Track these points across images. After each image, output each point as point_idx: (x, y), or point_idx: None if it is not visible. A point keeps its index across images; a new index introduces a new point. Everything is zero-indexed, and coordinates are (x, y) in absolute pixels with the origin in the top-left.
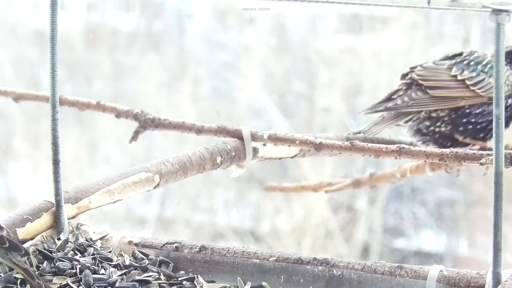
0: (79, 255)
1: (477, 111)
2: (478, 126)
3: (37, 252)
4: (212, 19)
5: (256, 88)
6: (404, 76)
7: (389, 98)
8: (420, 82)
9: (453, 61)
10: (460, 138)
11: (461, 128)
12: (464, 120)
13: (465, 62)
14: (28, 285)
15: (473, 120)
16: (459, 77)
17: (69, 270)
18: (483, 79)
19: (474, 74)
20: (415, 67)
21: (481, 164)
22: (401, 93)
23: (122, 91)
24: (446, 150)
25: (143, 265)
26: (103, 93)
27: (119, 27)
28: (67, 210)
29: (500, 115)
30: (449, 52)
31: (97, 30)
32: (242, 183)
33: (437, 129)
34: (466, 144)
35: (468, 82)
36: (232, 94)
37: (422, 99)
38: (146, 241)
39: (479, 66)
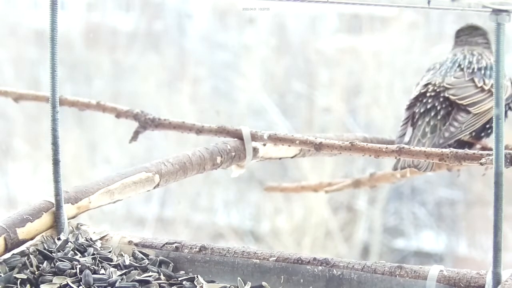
0: (79, 255)
1: None
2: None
3: (37, 252)
4: (212, 19)
5: (256, 88)
6: (422, 96)
7: (412, 120)
8: (459, 102)
9: (469, 71)
10: (466, 138)
11: (482, 134)
12: (487, 125)
13: (481, 70)
14: (28, 285)
15: (493, 124)
16: (485, 88)
17: (69, 270)
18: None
19: (492, 80)
20: (429, 84)
21: (481, 164)
22: (433, 114)
23: (122, 91)
24: (446, 150)
25: (143, 265)
26: (103, 93)
27: (119, 27)
28: (67, 210)
29: (500, 115)
30: (436, 62)
31: (97, 30)
32: (242, 183)
33: (462, 139)
34: (470, 144)
35: (493, 90)
36: (232, 94)
37: (468, 119)
38: (146, 241)
39: (492, 72)
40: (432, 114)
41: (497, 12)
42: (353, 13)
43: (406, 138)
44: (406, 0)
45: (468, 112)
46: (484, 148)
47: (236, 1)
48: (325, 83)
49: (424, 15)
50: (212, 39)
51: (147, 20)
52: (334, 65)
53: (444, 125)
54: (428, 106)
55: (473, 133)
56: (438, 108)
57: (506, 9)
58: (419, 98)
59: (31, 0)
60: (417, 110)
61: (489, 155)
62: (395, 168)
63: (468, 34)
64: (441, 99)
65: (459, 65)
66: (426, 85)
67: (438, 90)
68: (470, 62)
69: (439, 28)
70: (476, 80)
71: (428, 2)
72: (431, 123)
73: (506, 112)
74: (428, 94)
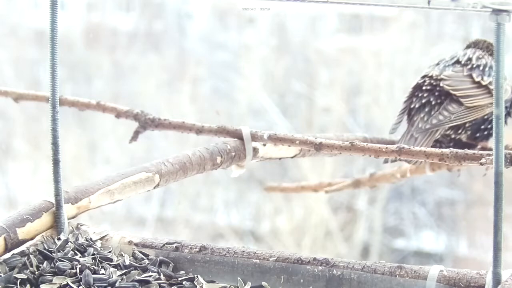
0: (79, 255)
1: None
2: (491, 131)
3: (37, 252)
4: (212, 19)
5: (256, 88)
6: (418, 86)
7: (407, 110)
8: (452, 92)
9: (469, 67)
10: (464, 139)
11: (477, 134)
12: (482, 126)
13: (480, 67)
14: (28, 285)
15: (488, 126)
16: (482, 83)
17: (69, 270)
18: None
19: (491, 79)
20: (426, 76)
21: (481, 164)
22: (427, 109)
23: (122, 91)
24: (446, 150)
25: (143, 265)
26: (103, 93)
27: (119, 27)
28: (67, 210)
29: (500, 115)
30: (443, 57)
31: (97, 30)
32: (242, 183)
33: (457, 137)
34: (470, 145)
35: (490, 87)
36: (232, 94)
37: (459, 111)
38: (146, 241)
39: (491, 71)
40: (427, 109)
41: (497, 12)
42: (353, 13)
43: (399, 135)
44: (406, 0)
45: (461, 104)
46: (484, 148)
47: (236, 1)
48: (325, 83)
49: (424, 15)
50: (212, 39)
51: (147, 20)
52: (334, 65)
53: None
54: (423, 101)
55: (468, 132)
56: (433, 103)
57: (506, 9)
58: (416, 91)
59: (31, 0)
60: (412, 106)
61: (489, 155)
62: (385, 161)
63: (475, 43)
64: (436, 93)
65: (458, 61)
66: (423, 76)
67: (434, 83)
68: (469, 59)
69: (439, 28)
70: (474, 75)
71: (428, 2)
72: (425, 119)
73: (506, 116)
74: (424, 88)
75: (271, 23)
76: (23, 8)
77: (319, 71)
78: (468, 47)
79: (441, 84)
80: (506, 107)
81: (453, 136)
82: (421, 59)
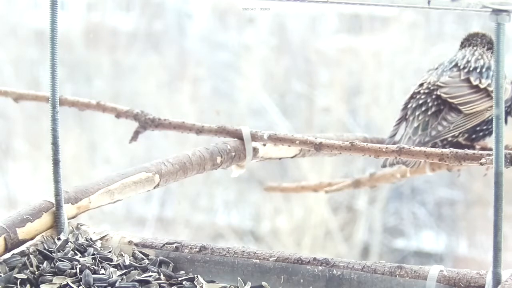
0: (79, 255)
1: (490, 118)
2: (487, 132)
3: (37, 252)
4: (212, 19)
5: (256, 88)
6: (416, 94)
7: (405, 117)
8: (450, 100)
9: (466, 70)
10: (463, 141)
11: (473, 136)
12: (478, 128)
13: (477, 69)
14: (28, 285)
15: (484, 127)
16: (480, 86)
17: (69, 270)
18: None
19: (489, 80)
20: (424, 83)
21: (481, 164)
22: (423, 109)
23: (122, 91)
24: (446, 150)
25: (143, 265)
26: (103, 93)
27: (119, 27)
28: (67, 210)
29: (500, 115)
30: (442, 62)
31: (97, 30)
32: (242, 183)
33: (454, 140)
34: (468, 146)
35: (489, 89)
36: (232, 94)
37: (458, 119)
38: (146, 241)
39: (490, 72)
40: (423, 109)
41: (497, 12)
42: (353, 13)
43: (398, 137)
44: (406, 0)
45: (460, 112)
46: (484, 148)
47: (236, 1)
48: (325, 83)
49: (424, 15)
50: (212, 39)
51: (147, 20)
52: (334, 65)
53: (434, 122)
54: (420, 102)
55: (465, 135)
56: (430, 104)
57: (506, 9)
58: (413, 96)
59: (31, 0)
60: (409, 106)
61: (489, 155)
62: (383, 166)
63: (474, 38)
64: (434, 96)
65: (456, 65)
66: (421, 84)
67: (431, 88)
68: (468, 62)
69: (439, 28)
70: (472, 79)
71: (428, 2)
72: (421, 118)
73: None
74: (421, 91)
75: (271, 23)
76: (23, 8)
77: (319, 71)
78: (463, 43)
79: (438, 92)
80: (506, 107)
81: (450, 139)
82: (421, 59)
